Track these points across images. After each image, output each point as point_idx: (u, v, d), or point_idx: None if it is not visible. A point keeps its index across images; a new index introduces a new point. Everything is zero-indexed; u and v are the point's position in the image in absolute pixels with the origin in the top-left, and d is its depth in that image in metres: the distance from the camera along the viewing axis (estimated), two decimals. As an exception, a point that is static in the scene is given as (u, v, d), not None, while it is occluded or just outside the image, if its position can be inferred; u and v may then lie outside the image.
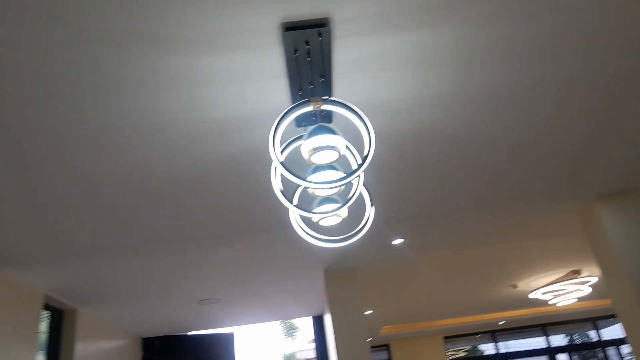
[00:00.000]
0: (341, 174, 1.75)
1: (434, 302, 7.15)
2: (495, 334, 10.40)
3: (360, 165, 1.62)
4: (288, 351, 28.26)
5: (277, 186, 1.81)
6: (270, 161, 1.87)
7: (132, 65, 1.68)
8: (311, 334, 7.23)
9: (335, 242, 1.91)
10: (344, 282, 4.58)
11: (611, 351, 10.50)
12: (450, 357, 9.94)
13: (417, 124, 2.30)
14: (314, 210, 1.92)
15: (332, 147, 1.64)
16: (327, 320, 5.30)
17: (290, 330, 25.69)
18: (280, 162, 1.60)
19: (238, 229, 3.32)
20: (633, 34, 1.89)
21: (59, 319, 4.62)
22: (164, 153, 2.27)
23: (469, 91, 2.10)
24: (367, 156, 1.60)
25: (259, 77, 1.84)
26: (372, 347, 9.49)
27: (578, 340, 11.45)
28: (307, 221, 2.09)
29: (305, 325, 26.92)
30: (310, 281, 4.85)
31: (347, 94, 2.00)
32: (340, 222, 2.00)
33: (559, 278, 6.44)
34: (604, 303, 8.50)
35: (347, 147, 1.83)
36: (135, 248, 3.41)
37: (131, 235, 3.17)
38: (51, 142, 2.05)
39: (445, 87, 2.05)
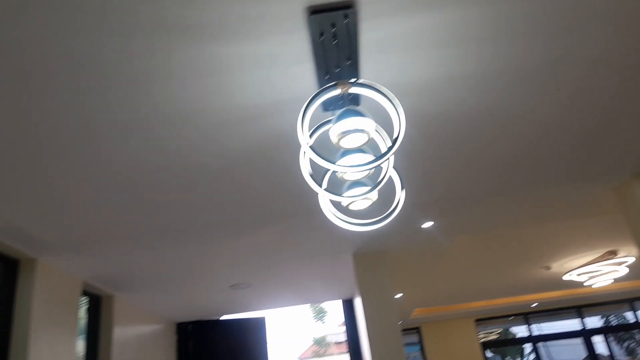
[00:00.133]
0: (370, 157, 1.73)
1: (465, 284, 7.09)
2: (527, 316, 10.27)
3: (390, 148, 1.60)
4: (318, 335, 28.62)
5: (306, 170, 1.81)
6: (298, 146, 1.87)
7: (159, 55, 1.70)
8: (341, 318, 7.29)
9: (366, 226, 1.90)
10: (373, 266, 4.58)
11: (649, 332, 10.26)
12: (482, 340, 9.87)
13: (444, 104, 2.26)
14: (343, 195, 1.91)
15: (361, 130, 1.62)
16: (358, 304, 5.32)
17: (320, 314, 25.96)
18: (310, 146, 1.60)
19: (267, 214, 3.34)
20: (674, 3, 1.81)
21: (97, 305, 4.78)
22: (193, 142, 2.30)
23: (495, 69, 2.05)
24: (397, 138, 1.58)
25: (285, 62, 1.83)
26: (403, 330, 9.50)
27: (614, 321, 11.23)
28: (336, 206, 2.09)
29: (334, 308, 27.18)
30: (339, 265, 4.87)
31: (373, 76, 1.97)
32: (369, 206, 2.00)
33: (595, 259, 6.30)
34: (641, 284, 8.29)
35: (376, 130, 1.81)
36: (167, 236, 3.49)
37: (163, 223, 3.23)
38: (81, 135, 2.10)
39: (471, 67, 2.01)
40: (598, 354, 9.73)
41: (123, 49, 1.64)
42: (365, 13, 1.64)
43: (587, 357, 9.90)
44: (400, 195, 1.94)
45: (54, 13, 1.46)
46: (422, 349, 9.85)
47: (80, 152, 2.24)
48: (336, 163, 1.70)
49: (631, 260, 6.29)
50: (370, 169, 1.68)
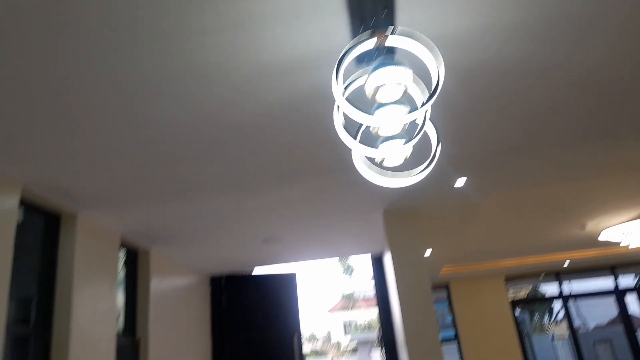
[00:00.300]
0: (406, 110, 1.68)
1: (496, 241, 7.03)
2: (559, 275, 10.17)
3: (428, 99, 1.55)
4: (347, 291, 29.17)
5: (339, 124, 1.78)
6: (333, 101, 1.83)
7: (193, 9, 1.66)
8: (369, 274, 7.35)
9: (401, 178, 1.87)
10: (404, 223, 4.57)
11: (684, 292, 10.04)
12: (511, 299, 9.85)
13: (479, 55, 2.17)
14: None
15: (398, 83, 1.57)
16: (387, 260, 5.35)
17: (348, 270, 26.37)
18: (345, 99, 1.56)
19: (301, 170, 3.35)
20: None
21: (135, 258, 4.96)
22: (227, 97, 2.28)
23: (531, 19, 1.94)
24: (436, 88, 1.53)
25: (320, 15, 1.78)
26: (432, 287, 9.57)
27: (648, 281, 11.02)
28: (370, 161, 2.06)
29: (363, 264, 27.55)
30: (370, 221, 4.88)
31: (408, 26, 1.90)
32: (402, 163, 1.96)
33: (632, 217, 6.14)
34: (679, 243, 8.05)
35: (413, 80, 1.76)
36: (202, 191, 3.54)
37: (197, 179, 3.27)
38: (116, 90, 2.11)
39: (507, 17, 1.91)
40: (630, 314, 9.61)
41: (157, 2, 1.62)
42: (404, -43, 1.55)
43: (618, 315, 9.80)
44: (437, 148, 1.89)
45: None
46: (450, 306, 9.92)
47: (114, 108, 2.26)
48: (372, 115, 1.66)
49: (671, 219, 6.10)
50: (407, 120, 1.64)
